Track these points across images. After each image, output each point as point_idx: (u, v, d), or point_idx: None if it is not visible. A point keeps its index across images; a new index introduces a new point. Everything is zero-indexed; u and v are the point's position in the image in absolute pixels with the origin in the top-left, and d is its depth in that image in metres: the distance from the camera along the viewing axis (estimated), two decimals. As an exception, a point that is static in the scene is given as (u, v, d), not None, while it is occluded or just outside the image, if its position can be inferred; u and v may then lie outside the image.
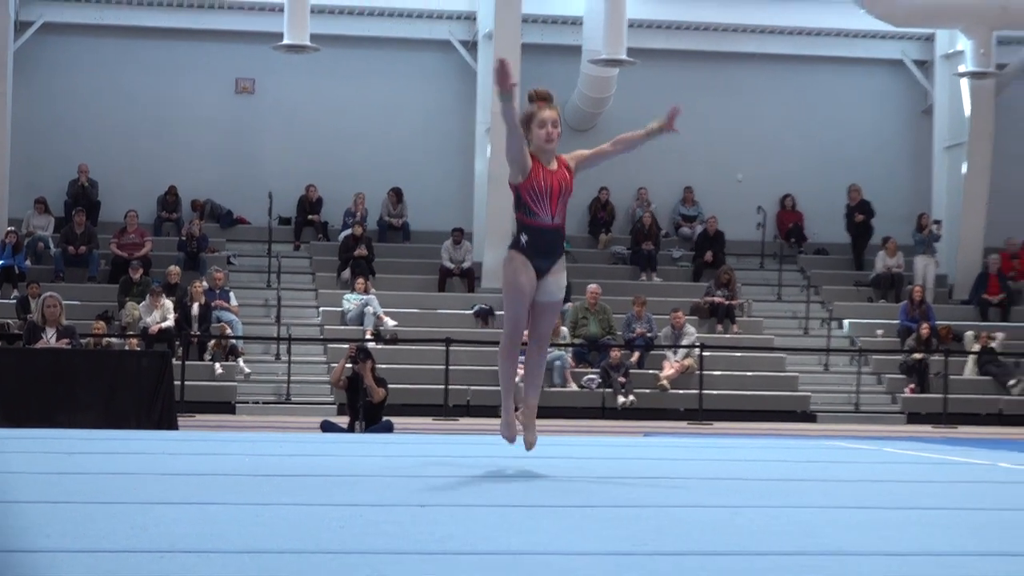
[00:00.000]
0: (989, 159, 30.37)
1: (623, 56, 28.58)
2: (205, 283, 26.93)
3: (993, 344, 28.36)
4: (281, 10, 27.72)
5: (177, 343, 25.52)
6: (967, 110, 30.26)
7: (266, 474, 9.79)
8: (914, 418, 26.79)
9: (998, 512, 8.12)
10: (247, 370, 26.34)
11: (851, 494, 9.22)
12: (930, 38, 31.68)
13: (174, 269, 27.49)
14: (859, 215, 31.20)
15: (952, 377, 27.53)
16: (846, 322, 29.69)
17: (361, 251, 29.14)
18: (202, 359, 26.23)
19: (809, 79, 32.42)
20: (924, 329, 28.19)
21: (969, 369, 28.31)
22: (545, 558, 5.68)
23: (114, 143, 30.43)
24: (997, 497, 9.33)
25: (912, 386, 27.70)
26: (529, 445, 9.79)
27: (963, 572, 5.57)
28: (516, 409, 10.11)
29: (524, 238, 9.23)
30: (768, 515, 7.62)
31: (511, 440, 9.75)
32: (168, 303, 26.14)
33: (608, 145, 9.75)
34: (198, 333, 26.26)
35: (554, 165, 9.27)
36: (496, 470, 10.37)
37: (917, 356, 28.00)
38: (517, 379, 10.31)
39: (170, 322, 25.80)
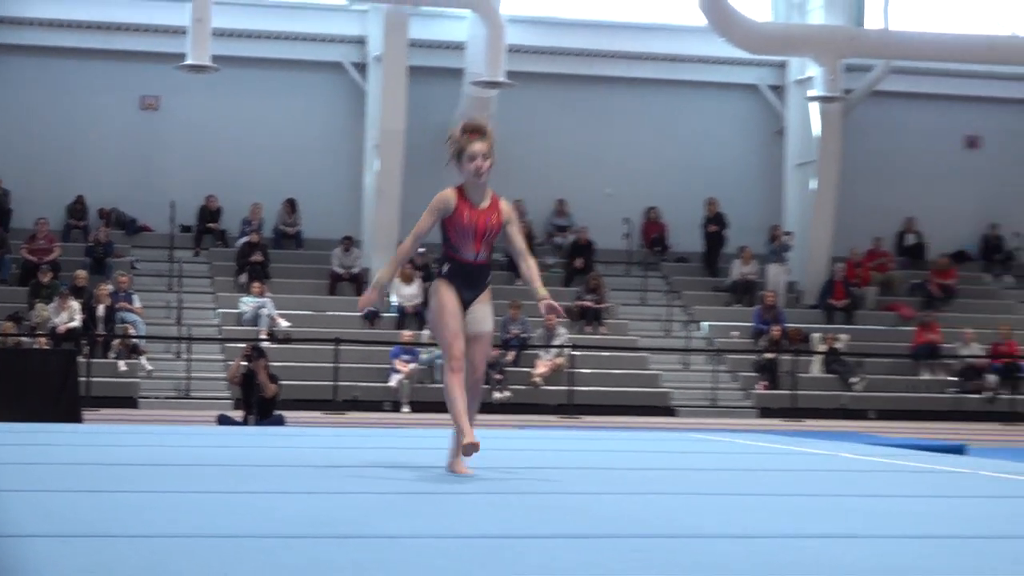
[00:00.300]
0: (836, 176, 30.66)
1: (502, 79, 28.65)
2: (110, 286, 26.75)
3: (838, 345, 28.67)
4: (184, 32, 27.58)
5: (83, 342, 25.39)
6: (816, 131, 30.51)
7: (164, 464, 9.71)
8: (766, 412, 26.98)
9: (839, 497, 8.19)
10: (149, 367, 26.11)
11: (706, 482, 9.26)
12: (783, 65, 31.93)
13: (81, 273, 27.26)
14: (712, 226, 31.42)
15: (800, 375, 27.89)
16: (704, 324, 29.87)
17: (257, 257, 29.03)
18: (107, 357, 25.97)
19: (673, 102, 32.57)
20: (775, 331, 28.49)
21: (816, 367, 28.57)
22: (423, 541, 5.65)
23: (26, 155, 30.02)
24: (838, 484, 9.41)
25: (764, 383, 27.91)
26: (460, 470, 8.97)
27: (807, 553, 5.59)
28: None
29: (447, 268, 8.84)
30: (630, 501, 7.64)
31: (477, 450, 8.56)
32: (75, 305, 25.95)
33: (516, 246, 8.95)
34: (103, 333, 26.09)
35: (485, 203, 8.79)
36: (379, 460, 10.32)
37: (769, 356, 28.25)
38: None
39: (77, 322, 25.68)
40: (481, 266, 8.83)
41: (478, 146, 8.68)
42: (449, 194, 8.76)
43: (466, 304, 8.80)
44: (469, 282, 8.81)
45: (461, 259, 8.76)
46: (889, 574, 5.09)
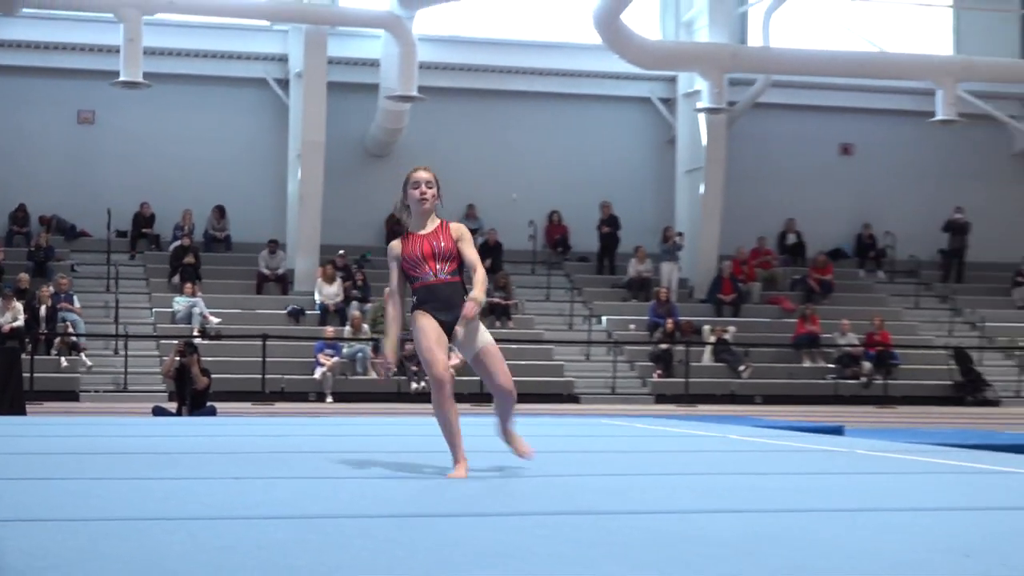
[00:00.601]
0: (722, 181, 30.82)
1: (414, 93, 28.62)
2: (52, 288, 26.48)
3: (726, 336, 28.85)
4: (118, 51, 27.38)
5: (27, 340, 25.13)
6: (704, 140, 30.67)
7: (102, 452, 9.63)
8: (661, 398, 27.08)
9: (727, 476, 8.22)
10: (88, 363, 25.86)
11: (606, 463, 9.28)
12: (673, 79, 32.07)
13: (24, 276, 27.03)
14: (606, 227, 31.54)
15: (692, 364, 28.01)
16: (604, 318, 29.97)
17: (189, 259, 28.80)
18: (49, 354, 25.76)
19: (572, 114, 32.63)
20: (669, 324, 28.63)
21: (706, 357, 28.70)
22: (340, 520, 5.63)
23: (-30, 166, 29.85)
24: (727, 463, 9.45)
25: (659, 372, 28.02)
26: (522, 455, 8.76)
27: (698, 526, 5.61)
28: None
29: (416, 298, 8.40)
30: (535, 481, 7.64)
31: (464, 475, 8.01)
32: (19, 305, 25.70)
33: (467, 260, 8.53)
34: (45, 331, 25.87)
35: (429, 228, 8.48)
36: (301, 448, 10.28)
37: (663, 346, 28.37)
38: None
39: (20, 322, 25.42)
40: (445, 283, 8.33)
41: (421, 173, 8.51)
42: (394, 242, 8.56)
43: (448, 328, 8.36)
44: (439, 304, 8.33)
45: (423, 283, 8.32)
46: (770, 542, 5.12)
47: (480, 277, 8.31)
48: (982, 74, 32.41)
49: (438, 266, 8.29)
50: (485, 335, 8.51)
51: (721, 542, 5.17)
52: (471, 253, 8.45)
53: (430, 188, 8.44)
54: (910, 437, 14.44)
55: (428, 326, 8.27)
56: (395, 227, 31.14)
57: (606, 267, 31.99)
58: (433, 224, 8.45)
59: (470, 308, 8.14)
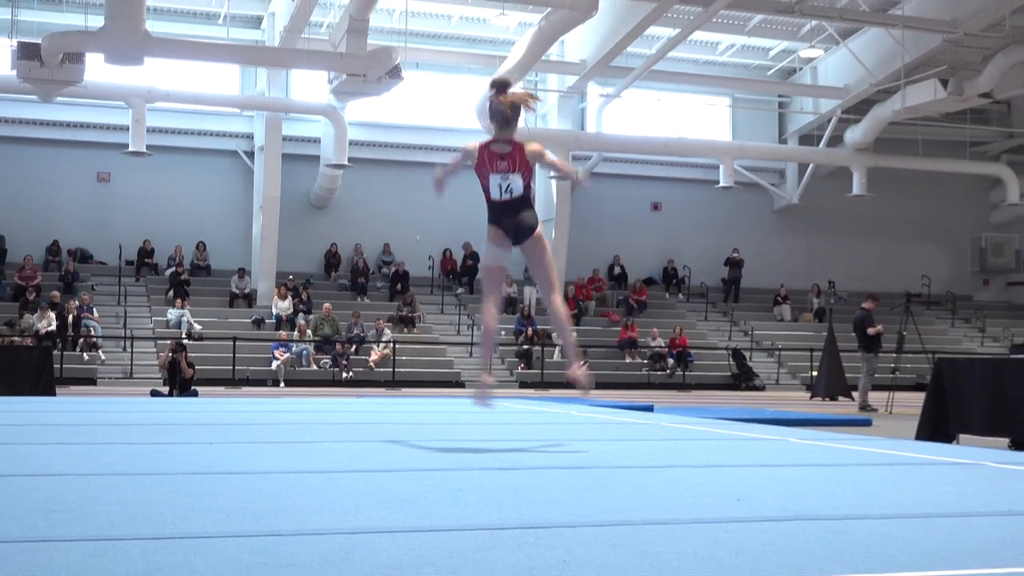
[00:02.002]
0: (567, 228, 30.99)
1: (346, 162, 28.55)
2: (77, 302, 26.22)
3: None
4: (128, 129, 27.20)
5: (57, 340, 24.73)
6: (555, 199, 30.84)
7: (110, 424, 9.46)
8: (524, 385, 27.14)
9: (569, 441, 8.22)
10: (103, 358, 25.50)
11: (481, 434, 9.25)
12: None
13: (56, 293, 26.72)
14: (470, 260, 31.43)
15: (547, 360, 28.08)
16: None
17: (182, 279, 28.60)
18: (74, 351, 25.39)
19: (460, 178, 32.55)
20: (530, 331, 28.71)
21: (556, 355, 28.71)
22: (284, 476, 5.57)
23: (17, 212, 29.29)
24: (569, 432, 9.46)
25: (523, 365, 28.07)
26: (576, 380, 7.44)
27: (547, 478, 5.59)
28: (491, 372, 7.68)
29: (488, 212, 7.18)
30: (435, 446, 7.59)
31: (485, 391, 7.38)
32: (52, 315, 25.41)
33: (549, 161, 7.31)
34: (72, 334, 25.56)
35: (507, 148, 7.07)
36: (260, 421, 10.15)
37: (525, 347, 28.43)
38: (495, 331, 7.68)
39: (53, 327, 25.04)
40: (507, 203, 7.07)
41: (503, 99, 7.08)
42: (471, 143, 7.23)
43: (508, 230, 7.09)
44: (504, 215, 7.10)
45: (491, 199, 7.11)
46: (591, 491, 5.12)
47: (559, 161, 7.13)
48: (751, 153, 33.04)
49: (508, 180, 7.03)
50: (532, 225, 7.18)
51: (552, 487, 5.17)
52: (549, 157, 7.25)
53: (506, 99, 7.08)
54: (701, 413, 14.61)
55: (491, 235, 7.10)
56: (331, 258, 31.07)
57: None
58: (508, 146, 7.10)
59: (584, 178, 7.02)
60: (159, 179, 30.18)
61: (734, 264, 34.02)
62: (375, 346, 27.24)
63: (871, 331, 19.59)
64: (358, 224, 31.31)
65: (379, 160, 31.75)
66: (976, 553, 3.65)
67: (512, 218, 7.15)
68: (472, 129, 30.40)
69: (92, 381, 24.23)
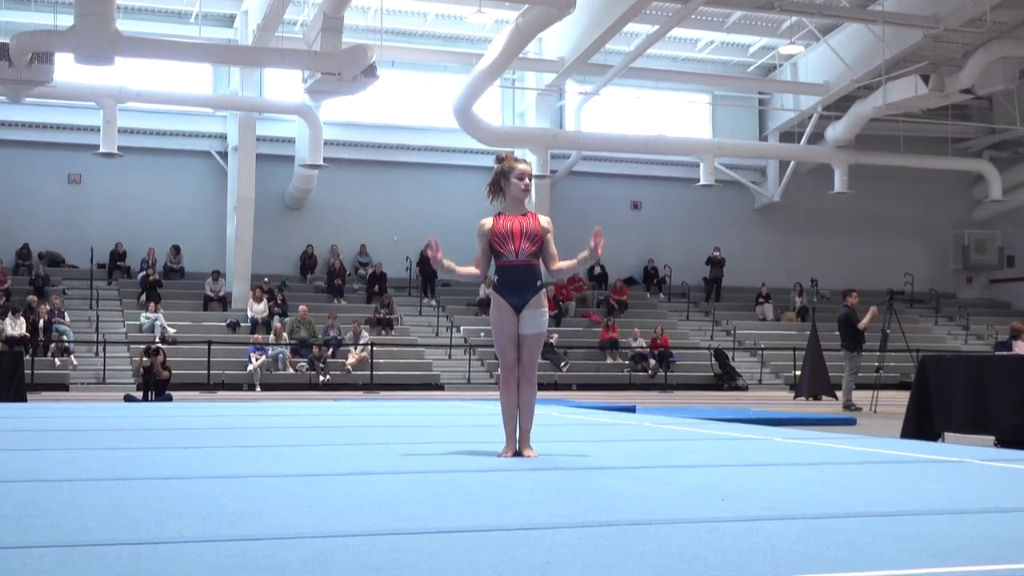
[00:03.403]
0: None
1: (321, 162, 28.50)
2: (48, 306, 26.01)
3: (551, 341, 28.85)
4: (99, 129, 27.13)
5: (29, 345, 24.59)
6: (533, 198, 30.72)
7: (83, 429, 9.41)
8: (503, 387, 27.05)
9: (550, 443, 8.21)
10: (75, 363, 25.36)
11: (459, 435, 9.23)
12: (512, 152, 32.13)
13: (28, 297, 26.43)
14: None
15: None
16: (462, 328, 29.94)
17: (154, 280, 28.52)
18: (46, 355, 25.24)
19: (437, 178, 32.54)
20: (509, 332, 28.61)
21: (536, 356, 28.78)
22: (261, 479, 5.55)
23: (-14, 215, 29.24)
24: (551, 433, 9.44)
25: (502, 367, 27.98)
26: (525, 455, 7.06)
27: (528, 479, 5.58)
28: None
29: (496, 279, 7.11)
30: (414, 450, 7.57)
31: (511, 454, 6.98)
32: (23, 319, 25.21)
33: (551, 263, 7.20)
34: (43, 339, 25.38)
35: (522, 211, 7.15)
36: (236, 425, 10.11)
37: (505, 349, 28.34)
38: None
39: (24, 331, 24.90)
40: (523, 266, 7.01)
41: (525, 167, 7.22)
42: (485, 220, 7.20)
43: (517, 309, 7.02)
44: (515, 286, 7.03)
45: (503, 262, 7.04)
46: (572, 494, 5.12)
47: (567, 263, 7.20)
48: (731, 151, 33.11)
49: (523, 245, 7.00)
50: (536, 324, 7.06)
51: (534, 489, 5.17)
52: (551, 248, 7.18)
53: (530, 180, 7.22)
54: (683, 413, 14.63)
55: (498, 309, 7.08)
56: (307, 260, 31.01)
57: (463, 290, 31.93)
58: (524, 211, 7.16)
59: (598, 236, 7.02)
60: (131, 181, 30.06)
61: (715, 263, 34.08)
62: (352, 349, 27.18)
63: (861, 326, 19.65)
64: (334, 225, 31.27)
65: (355, 160, 31.70)
66: (963, 550, 3.66)
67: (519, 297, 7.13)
68: (448, 127, 30.46)
69: (64, 387, 24.09)
